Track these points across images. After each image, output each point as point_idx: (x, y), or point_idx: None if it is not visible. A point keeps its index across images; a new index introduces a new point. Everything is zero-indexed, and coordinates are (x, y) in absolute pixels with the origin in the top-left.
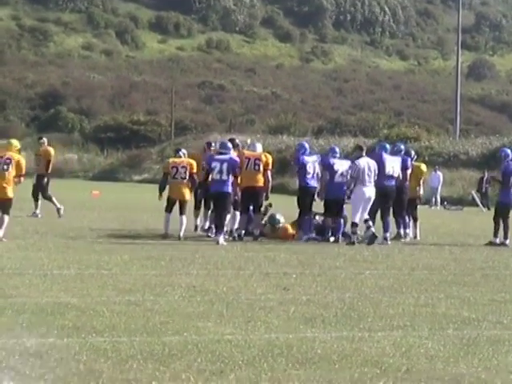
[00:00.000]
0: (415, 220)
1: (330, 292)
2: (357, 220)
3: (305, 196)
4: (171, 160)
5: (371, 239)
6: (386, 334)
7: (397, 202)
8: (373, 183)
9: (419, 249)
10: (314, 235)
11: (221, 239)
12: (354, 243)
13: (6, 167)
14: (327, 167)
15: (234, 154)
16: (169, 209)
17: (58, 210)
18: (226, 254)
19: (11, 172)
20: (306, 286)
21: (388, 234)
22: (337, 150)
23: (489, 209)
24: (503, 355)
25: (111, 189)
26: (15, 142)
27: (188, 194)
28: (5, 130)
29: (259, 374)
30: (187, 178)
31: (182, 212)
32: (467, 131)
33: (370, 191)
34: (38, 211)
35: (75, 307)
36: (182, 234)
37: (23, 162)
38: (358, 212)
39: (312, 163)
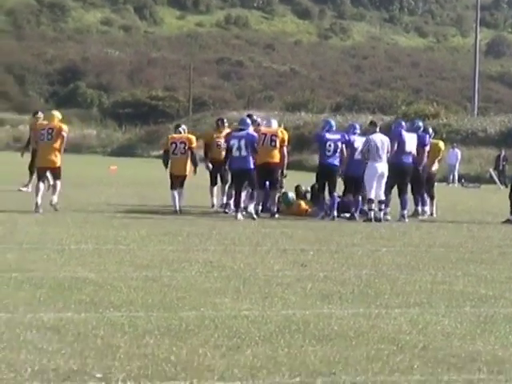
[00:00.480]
0: (432, 198)
1: (347, 269)
2: (372, 196)
3: (321, 173)
4: (170, 136)
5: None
6: (403, 311)
7: (414, 179)
8: (385, 159)
9: (436, 226)
10: (329, 212)
11: (239, 215)
12: (370, 220)
13: (49, 137)
14: (347, 144)
15: (251, 130)
16: (173, 185)
17: (27, 185)
18: (243, 230)
19: (56, 141)
20: (323, 263)
21: (406, 212)
22: (357, 126)
23: (506, 186)
24: None
25: (129, 164)
26: (56, 113)
27: (187, 169)
28: (24, 104)
29: (276, 349)
30: (186, 153)
31: (180, 185)
32: (486, 109)
33: (382, 167)
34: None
35: (93, 282)
36: (178, 207)
37: (66, 131)
38: (372, 188)
39: (333, 141)
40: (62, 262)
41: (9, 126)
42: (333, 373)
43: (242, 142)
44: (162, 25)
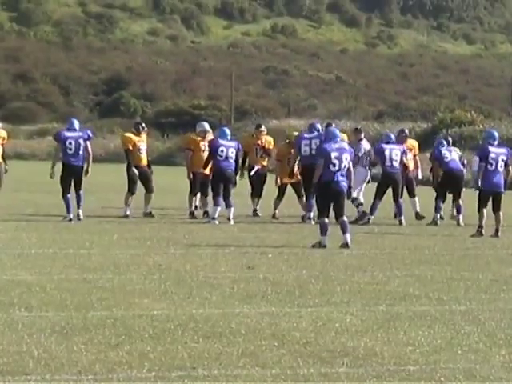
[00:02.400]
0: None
1: (293, 271)
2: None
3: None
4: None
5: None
6: (315, 309)
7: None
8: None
9: (425, 230)
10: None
11: None
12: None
13: None
14: (378, 153)
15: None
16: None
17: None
18: (219, 234)
19: None
20: (272, 266)
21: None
22: (392, 137)
23: None
24: (414, 330)
25: (164, 172)
26: None
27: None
28: (69, 114)
29: (155, 346)
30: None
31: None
32: None
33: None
34: None
35: (25, 284)
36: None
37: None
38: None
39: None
40: (10, 265)
41: (51, 136)
42: (193, 367)
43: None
44: (209, 34)
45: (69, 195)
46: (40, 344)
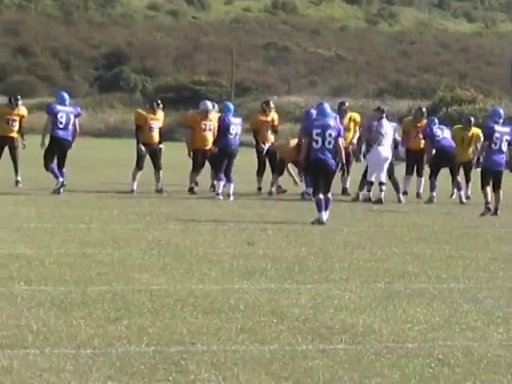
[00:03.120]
0: (468, 181)
1: (292, 247)
2: (373, 179)
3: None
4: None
5: (378, 201)
6: (314, 286)
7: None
8: (388, 145)
9: (424, 208)
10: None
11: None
12: (370, 200)
13: None
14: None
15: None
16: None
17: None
18: (218, 210)
19: None
20: (272, 242)
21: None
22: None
23: None
24: (412, 307)
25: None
26: None
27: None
28: (68, 89)
29: (154, 321)
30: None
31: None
32: None
33: (386, 152)
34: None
35: (24, 258)
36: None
37: None
38: (375, 172)
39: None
40: (10, 239)
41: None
42: (192, 342)
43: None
44: (210, 10)
45: (53, 165)
46: (39, 318)
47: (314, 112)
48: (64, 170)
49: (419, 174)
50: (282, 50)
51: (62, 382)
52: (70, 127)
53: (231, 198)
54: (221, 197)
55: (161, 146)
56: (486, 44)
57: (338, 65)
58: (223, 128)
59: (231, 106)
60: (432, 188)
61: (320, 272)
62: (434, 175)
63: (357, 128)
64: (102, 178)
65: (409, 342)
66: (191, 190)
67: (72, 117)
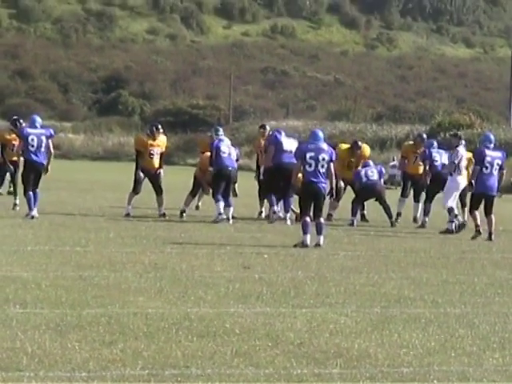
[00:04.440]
0: (463, 206)
1: (288, 271)
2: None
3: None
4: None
5: (461, 227)
6: (310, 310)
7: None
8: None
9: (421, 233)
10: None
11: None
12: (451, 231)
13: None
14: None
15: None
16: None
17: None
18: (215, 234)
19: None
20: (268, 266)
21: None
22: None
23: None
24: (408, 332)
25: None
26: None
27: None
28: (67, 112)
29: (149, 345)
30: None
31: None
32: None
33: (463, 180)
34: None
35: (21, 281)
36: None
37: None
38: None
39: (492, 158)
40: (6, 261)
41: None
42: (187, 366)
43: None
44: (208, 34)
45: (31, 192)
46: (34, 341)
47: (279, 136)
48: (38, 190)
49: (416, 200)
50: (280, 75)
51: None
52: (43, 149)
53: (230, 221)
54: (224, 216)
55: (160, 170)
56: (484, 69)
57: (337, 89)
58: (215, 150)
59: (219, 128)
60: (426, 213)
61: (316, 296)
62: (429, 200)
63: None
64: (99, 201)
65: (404, 366)
66: (181, 214)
67: (44, 139)
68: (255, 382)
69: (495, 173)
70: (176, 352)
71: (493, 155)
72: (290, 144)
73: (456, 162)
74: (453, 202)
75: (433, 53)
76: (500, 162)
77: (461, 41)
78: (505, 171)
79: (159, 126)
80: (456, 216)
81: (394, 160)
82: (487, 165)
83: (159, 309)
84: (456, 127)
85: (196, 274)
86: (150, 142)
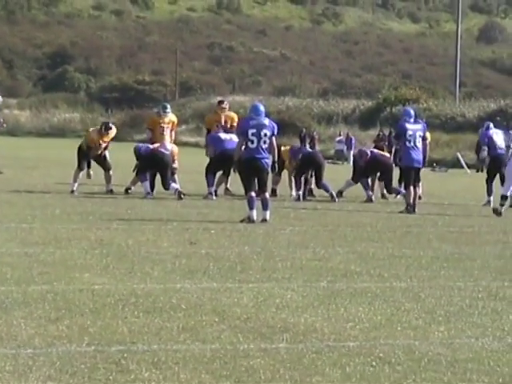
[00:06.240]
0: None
1: (235, 247)
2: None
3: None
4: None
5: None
6: (256, 285)
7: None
8: None
9: (368, 208)
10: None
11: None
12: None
13: None
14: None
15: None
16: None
17: None
18: (161, 210)
19: None
20: (214, 241)
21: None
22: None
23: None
24: (355, 306)
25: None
26: None
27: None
28: (12, 88)
29: (95, 321)
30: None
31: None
32: (471, 94)
33: None
34: None
35: None
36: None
37: None
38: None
39: (413, 131)
40: None
41: None
42: (133, 342)
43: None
44: (154, 9)
45: None
46: None
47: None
48: None
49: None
50: (226, 50)
51: (1, 382)
52: None
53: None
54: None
55: (105, 152)
56: (429, 44)
57: (283, 65)
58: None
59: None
60: (489, 193)
61: (262, 271)
62: (490, 180)
63: None
64: (45, 178)
65: (350, 340)
66: (126, 191)
67: None
68: (201, 357)
69: (418, 145)
70: (122, 328)
71: (414, 128)
72: (225, 134)
73: None
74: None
75: (378, 28)
76: (422, 134)
77: (406, 16)
78: (428, 141)
79: (110, 125)
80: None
81: (340, 135)
82: (409, 138)
83: (105, 285)
84: (402, 102)
85: (142, 250)
86: (100, 138)
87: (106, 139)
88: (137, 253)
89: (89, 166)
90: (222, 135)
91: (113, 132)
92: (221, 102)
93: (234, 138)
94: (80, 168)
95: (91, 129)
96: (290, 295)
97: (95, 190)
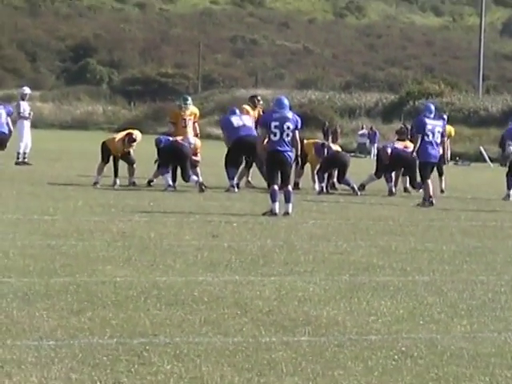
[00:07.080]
0: (441, 175)
1: (257, 240)
2: None
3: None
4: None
5: None
6: (278, 278)
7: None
8: None
9: (390, 201)
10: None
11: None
12: None
13: None
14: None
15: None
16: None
17: None
18: (184, 202)
19: None
20: (237, 234)
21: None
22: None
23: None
24: (377, 300)
25: None
26: None
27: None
28: (35, 81)
29: (117, 313)
30: None
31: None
32: (495, 88)
33: None
34: None
35: None
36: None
37: None
38: None
39: (432, 126)
40: None
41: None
42: (155, 334)
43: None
44: (177, 2)
45: None
46: (2, 309)
47: (228, 117)
48: None
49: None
50: (249, 43)
51: (24, 373)
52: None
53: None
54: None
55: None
56: (452, 38)
57: (306, 58)
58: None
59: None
60: (509, 186)
61: (284, 264)
62: (511, 174)
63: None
64: (67, 170)
65: (372, 334)
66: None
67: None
68: (223, 350)
69: (437, 141)
70: (144, 320)
71: (433, 123)
72: (237, 120)
73: None
74: None
75: (401, 21)
76: (441, 130)
77: (430, 9)
78: (445, 139)
79: (133, 136)
80: None
81: (362, 128)
82: (428, 133)
83: (127, 277)
84: (425, 96)
85: (164, 243)
86: (124, 146)
87: (129, 149)
88: (159, 245)
89: (116, 175)
90: (235, 120)
91: (137, 141)
92: (255, 97)
93: (247, 122)
94: (104, 161)
95: (116, 136)
96: (312, 288)
97: (117, 182)
